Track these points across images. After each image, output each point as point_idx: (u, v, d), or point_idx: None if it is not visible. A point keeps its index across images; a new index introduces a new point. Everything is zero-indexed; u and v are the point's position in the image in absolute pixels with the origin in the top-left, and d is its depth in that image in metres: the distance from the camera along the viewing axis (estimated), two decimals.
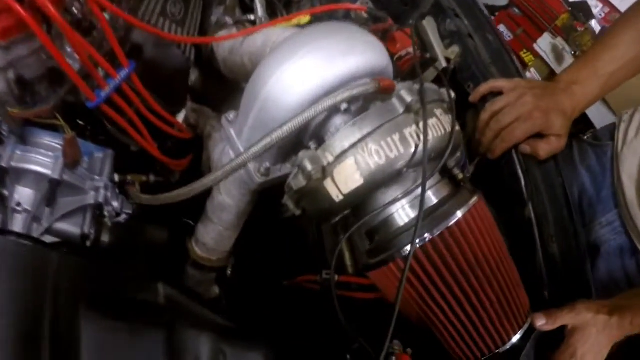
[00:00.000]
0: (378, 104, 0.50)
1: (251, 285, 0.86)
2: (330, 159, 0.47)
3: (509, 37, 2.49)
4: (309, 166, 0.47)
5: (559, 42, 2.21)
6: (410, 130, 0.47)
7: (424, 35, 0.79)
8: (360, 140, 0.46)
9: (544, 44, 2.28)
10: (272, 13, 0.99)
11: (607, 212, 0.93)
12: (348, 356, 0.59)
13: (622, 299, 0.72)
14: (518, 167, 0.72)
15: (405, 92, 0.47)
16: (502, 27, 2.58)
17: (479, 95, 0.79)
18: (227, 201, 0.70)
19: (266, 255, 0.87)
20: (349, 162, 0.46)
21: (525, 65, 2.34)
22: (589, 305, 0.68)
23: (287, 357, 0.56)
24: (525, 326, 0.57)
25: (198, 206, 0.78)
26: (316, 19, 0.82)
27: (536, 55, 2.35)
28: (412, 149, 0.46)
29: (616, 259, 0.93)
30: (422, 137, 0.46)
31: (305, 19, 0.79)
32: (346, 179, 0.47)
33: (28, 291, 0.33)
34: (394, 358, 0.52)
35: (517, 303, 0.54)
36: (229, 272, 0.82)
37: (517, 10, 2.46)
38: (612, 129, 0.99)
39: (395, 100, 0.48)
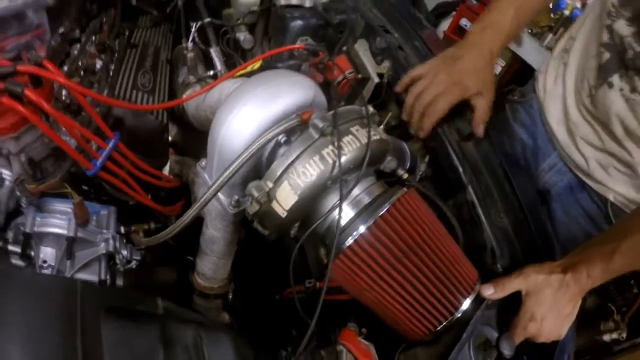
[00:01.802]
0: (303, 133, 0.65)
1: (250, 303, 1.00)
2: (270, 185, 0.62)
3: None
4: (255, 193, 0.62)
5: None
6: (327, 150, 0.61)
7: (356, 57, 0.94)
8: (289, 166, 0.61)
9: None
10: (232, 64, 1.16)
11: (547, 156, 1.05)
12: (293, 331, 0.71)
13: (575, 254, 0.76)
14: (454, 157, 0.84)
15: (318, 120, 0.62)
16: (464, 21, 2.72)
17: (403, 85, 0.90)
18: (215, 234, 0.86)
19: (258, 274, 1.01)
20: (284, 185, 0.61)
21: None
22: (539, 268, 0.74)
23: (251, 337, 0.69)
24: (473, 294, 0.67)
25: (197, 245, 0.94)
26: (267, 62, 0.98)
27: None
28: (331, 165, 0.60)
29: (568, 196, 1.04)
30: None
31: (257, 64, 0.95)
32: (285, 198, 0.61)
33: (64, 309, 0.49)
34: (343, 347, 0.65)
35: (458, 276, 0.66)
36: (230, 296, 0.96)
37: (474, 1, 2.60)
38: (534, 84, 1.11)
39: (311, 129, 0.63)
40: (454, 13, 2.93)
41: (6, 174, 0.83)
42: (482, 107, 0.86)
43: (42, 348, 0.46)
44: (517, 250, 0.80)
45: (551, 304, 0.73)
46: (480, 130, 0.87)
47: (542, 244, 0.83)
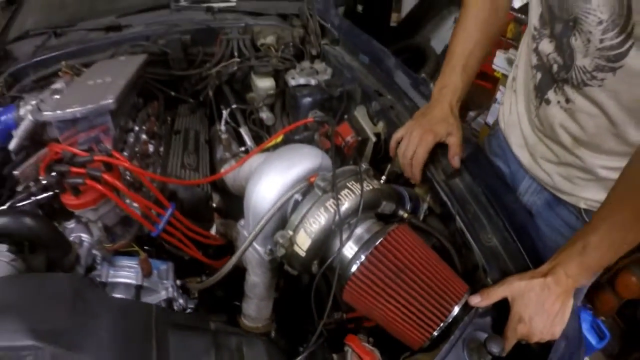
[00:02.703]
0: (311, 192, 0.88)
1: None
2: (291, 232, 0.85)
3: None
4: (280, 239, 0.85)
5: (512, 53, 2.55)
6: (329, 203, 0.84)
7: (356, 122, 1.18)
8: (302, 218, 0.85)
9: (499, 61, 2.63)
10: (259, 137, 1.44)
11: (522, 180, 1.21)
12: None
13: (552, 259, 0.86)
14: (442, 193, 1.05)
15: (320, 181, 0.86)
16: None
17: (393, 150, 1.12)
18: (256, 279, 1.09)
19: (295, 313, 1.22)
20: (301, 232, 0.85)
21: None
22: (522, 275, 0.86)
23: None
24: (461, 303, 0.83)
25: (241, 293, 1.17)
26: (287, 135, 1.24)
27: (498, 73, 2.69)
28: (333, 214, 0.83)
29: (548, 212, 1.17)
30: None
31: (279, 138, 1.21)
32: (303, 241, 0.85)
33: (142, 324, 0.73)
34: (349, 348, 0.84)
35: (445, 289, 0.83)
36: (272, 334, 1.17)
37: None
38: (498, 115, 1.30)
39: (316, 188, 0.87)
40: None
41: (85, 237, 1.09)
42: (454, 144, 1.06)
43: (130, 348, 0.71)
44: (507, 264, 0.95)
45: (536, 305, 0.82)
46: (456, 162, 1.06)
47: (531, 256, 0.96)
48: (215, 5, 2.00)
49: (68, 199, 1.06)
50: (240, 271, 1.11)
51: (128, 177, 1.20)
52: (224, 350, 0.74)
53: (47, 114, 1.20)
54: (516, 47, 2.51)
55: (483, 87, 3.00)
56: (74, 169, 1.01)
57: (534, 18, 1.06)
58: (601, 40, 0.88)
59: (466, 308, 0.85)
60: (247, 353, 0.75)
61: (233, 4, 2.04)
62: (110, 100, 1.16)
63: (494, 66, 2.65)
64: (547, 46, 1.03)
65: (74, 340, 0.70)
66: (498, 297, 0.84)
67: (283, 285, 1.22)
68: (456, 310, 0.83)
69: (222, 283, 1.10)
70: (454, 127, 1.08)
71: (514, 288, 0.84)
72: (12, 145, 1.37)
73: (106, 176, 1.00)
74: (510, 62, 2.57)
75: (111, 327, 0.74)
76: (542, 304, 0.82)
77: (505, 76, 2.62)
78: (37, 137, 1.42)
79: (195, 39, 1.73)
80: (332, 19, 1.90)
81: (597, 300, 2.55)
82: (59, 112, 1.18)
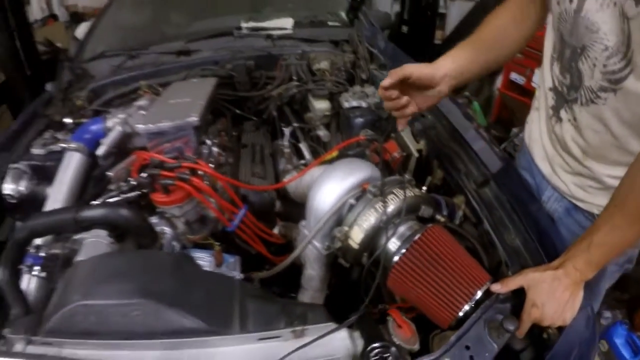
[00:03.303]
0: (364, 197, 1.13)
1: None
2: (347, 228, 1.10)
3: (522, 81, 3.02)
4: (338, 234, 1.10)
5: None
6: (378, 205, 1.08)
7: (401, 140, 1.42)
8: (357, 216, 1.09)
9: (536, 78, 2.77)
10: (316, 152, 1.69)
11: (545, 190, 1.37)
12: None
13: (563, 254, 1.00)
14: (472, 200, 1.27)
15: (371, 188, 1.10)
16: (514, 75, 3.11)
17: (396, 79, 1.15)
18: (312, 273, 1.31)
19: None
20: (355, 227, 1.09)
21: None
22: (537, 268, 1.01)
23: None
24: (483, 289, 1.03)
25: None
26: (341, 151, 1.49)
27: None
28: (381, 214, 1.07)
29: (568, 218, 1.32)
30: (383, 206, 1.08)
31: (334, 153, 1.46)
32: (356, 235, 1.09)
33: (228, 291, 0.99)
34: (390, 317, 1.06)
35: (471, 277, 1.03)
36: None
37: (519, 54, 3.02)
38: (524, 133, 1.48)
39: (368, 194, 1.11)
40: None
41: (167, 230, 1.33)
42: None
43: (218, 309, 0.95)
44: (527, 261, 1.12)
45: (548, 293, 0.96)
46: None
47: (549, 255, 1.11)
48: (273, 32, 2.30)
49: (158, 197, 1.33)
50: (295, 269, 1.34)
51: (206, 182, 1.48)
52: (291, 315, 0.97)
53: (141, 127, 1.46)
54: None
55: (525, 103, 3.17)
56: (165, 173, 1.28)
57: (548, 44, 1.24)
58: (605, 65, 1.02)
59: (488, 294, 1.03)
60: (310, 317, 0.97)
61: (290, 31, 2.32)
62: (195, 118, 1.42)
63: (533, 84, 2.82)
64: (559, 69, 1.19)
65: (174, 300, 0.93)
66: (515, 286, 1.01)
67: (334, 282, 1.45)
68: (479, 294, 1.02)
69: (279, 279, 1.34)
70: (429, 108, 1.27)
71: (529, 278, 1.00)
72: (101, 151, 1.67)
73: (196, 180, 1.27)
74: None
75: (204, 291, 0.98)
76: (554, 292, 0.96)
77: None
78: (123, 145, 1.73)
79: (258, 64, 2.02)
80: (379, 44, 2.15)
81: (636, 316, 2.67)
82: (151, 125, 1.45)
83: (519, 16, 1.26)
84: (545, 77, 1.29)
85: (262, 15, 2.54)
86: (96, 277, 1.01)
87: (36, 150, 1.68)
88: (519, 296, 1.00)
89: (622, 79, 1.01)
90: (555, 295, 0.96)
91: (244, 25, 2.34)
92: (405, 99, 1.18)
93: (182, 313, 0.91)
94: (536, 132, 1.38)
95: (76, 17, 6.40)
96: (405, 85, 1.17)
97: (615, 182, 1.04)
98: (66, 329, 0.93)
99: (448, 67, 1.20)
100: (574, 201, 1.28)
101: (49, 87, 2.58)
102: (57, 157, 1.62)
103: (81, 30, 6.19)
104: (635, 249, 1.32)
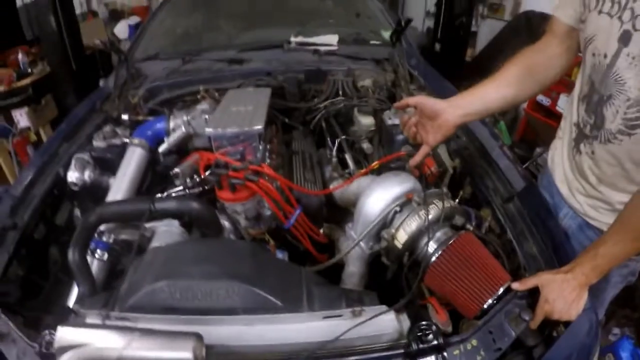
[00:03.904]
0: (408, 205, 1.37)
1: None
2: (393, 231, 1.34)
3: (548, 102, 3.22)
4: (385, 235, 1.34)
5: None
6: (421, 212, 1.33)
7: (438, 157, 1.65)
8: (403, 221, 1.34)
9: (562, 102, 2.97)
10: (359, 163, 1.94)
11: (562, 208, 1.59)
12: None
13: (573, 261, 1.18)
14: (498, 213, 1.50)
15: (416, 198, 1.35)
16: (540, 97, 3.31)
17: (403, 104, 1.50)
18: (353, 269, 1.53)
19: None
20: (401, 230, 1.34)
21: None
22: (550, 271, 1.19)
23: None
24: (505, 286, 1.23)
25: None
26: (383, 164, 1.73)
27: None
28: (423, 220, 1.32)
29: (580, 234, 1.53)
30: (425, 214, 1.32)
31: (376, 166, 1.71)
32: (401, 237, 1.33)
33: (296, 276, 1.22)
34: (430, 304, 1.29)
35: (495, 276, 1.24)
36: None
37: None
38: (547, 157, 1.69)
39: (413, 203, 1.35)
40: None
41: (227, 224, 1.54)
42: (420, 153, 1.47)
43: (289, 290, 1.15)
44: (542, 267, 1.28)
45: (558, 291, 1.12)
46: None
47: (561, 263, 1.25)
48: (321, 48, 2.55)
49: (225, 194, 1.53)
50: (335, 268, 1.54)
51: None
52: (349, 299, 1.19)
53: (210, 131, 1.61)
54: None
55: (549, 125, 3.38)
56: (233, 173, 1.46)
57: (578, 85, 1.47)
58: (625, 113, 1.24)
59: (509, 291, 1.20)
60: (366, 300, 1.19)
61: (335, 47, 2.57)
62: (260, 127, 1.61)
63: (557, 108, 3.03)
64: (584, 110, 1.39)
65: (254, 281, 1.10)
66: (531, 285, 1.18)
67: (367, 281, 1.62)
68: (501, 290, 1.21)
69: (320, 275, 1.56)
70: (437, 140, 1.45)
71: (543, 279, 1.18)
72: (162, 148, 1.92)
73: (263, 182, 1.51)
74: None
75: (277, 276, 1.17)
76: (563, 291, 1.13)
77: None
78: (182, 145, 1.96)
79: (307, 77, 2.26)
80: (417, 66, 2.39)
81: None
82: (220, 130, 1.61)
83: (548, 61, 1.45)
84: (572, 112, 1.50)
85: (309, 30, 2.78)
86: (180, 260, 1.19)
87: (97, 143, 1.90)
88: (534, 294, 1.18)
89: (637, 126, 1.25)
90: (564, 294, 1.13)
91: (293, 39, 2.60)
92: (412, 122, 1.46)
93: (264, 292, 1.08)
94: (559, 158, 1.61)
95: (115, 15, 6.76)
96: (424, 117, 1.42)
97: (622, 205, 1.22)
98: (148, 305, 1.07)
99: (459, 104, 1.42)
100: (587, 219, 1.51)
101: (102, 83, 2.85)
102: (117, 150, 1.85)
103: (120, 27, 6.58)
104: (638, 263, 1.53)
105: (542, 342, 1.17)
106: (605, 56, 1.26)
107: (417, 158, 1.48)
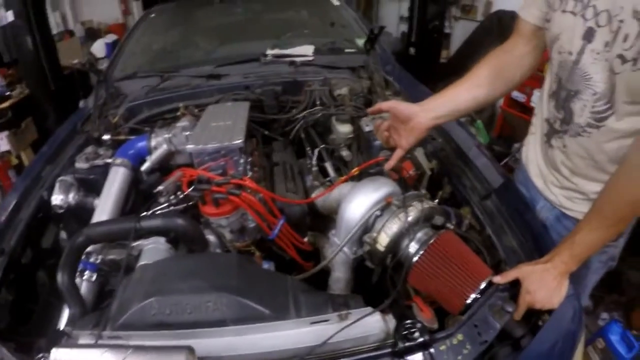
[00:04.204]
0: (388, 208, 1.41)
1: None
2: (375, 234, 1.38)
3: (523, 98, 3.31)
4: (367, 240, 1.38)
5: None
6: (401, 215, 1.36)
7: (415, 160, 1.70)
8: (383, 224, 1.37)
9: (535, 97, 3.07)
10: (339, 171, 1.97)
11: (538, 201, 1.65)
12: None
13: (551, 251, 1.23)
14: (476, 210, 1.55)
15: (395, 201, 1.38)
16: (515, 93, 3.40)
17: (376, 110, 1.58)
18: (339, 275, 1.56)
19: None
20: (382, 233, 1.37)
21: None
22: (529, 263, 1.23)
23: None
24: (486, 281, 1.27)
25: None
26: (363, 170, 1.77)
27: None
28: (403, 223, 1.35)
29: (558, 225, 1.58)
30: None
31: (356, 172, 1.74)
32: (382, 240, 1.37)
33: (283, 285, 1.24)
34: (414, 303, 1.33)
35: (476, 271, 1.28)
36: None
37: None
38: (521, 153, 1.75)
39: (392, 206, 1.39)
40: None
41: (212, 238, 1.56)
42: (395, 156, 1.54)
43: (276, 298, 1.18)
44: (522, 259, 1.33)
45: (539, 282, 1.17)
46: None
47: (540, 254, 1.29)
48: (297, 59, 2.59)
49: (209, 209, 1.56)
50: (321, 274, 1.57)
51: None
52: (335, 303, 1.22)
53: (191, 147, 1.64)
54: None
55: (525, 120, 3.45)
56: (216, 188, 1.49)
57: (547, 83, 1.52)
58: (593, 107, 1.29)
59: (491, 285, 1.23)
60: (351, 303, 1.22)
61: (311, 58, 2.61)
62: (240, 141, 1.63)
63: (532, 103, 3.11)
64: (554, 106, 1.45)
65: (243, 292, 1.12)
66: (512, 277, 1.22)
67: (353, 286, 1.65)
68: (483, 285, 1.25)
69: (306, 282, 1.58)
70: (410, 144, 1.51)
71: (523, 271, 1.21)
72: (145, 167, 1.93)
73: (246, 195, 1.54)
74: None
75: (264, 286, 1.20)
76: (543, 281, 1.17)
77: None
78: (165, 163, 1.98)
79: (284, 89, 2.30)
80: (392, 71, 2.44)
81: (633, 317, 2.96)
82: (200, 146, 1.64)
83: (517, 60, 1.50)
84: (542, 109, 1.56)
85: (284, 42, 2.83)
86: (168, 276, 1.21)
87: (80, 165, 1.90)
88: (515, 286, 1.22)
89: (605, 118, 1.30)
90: (544, 284, 1.17)
91: (269, 52, 2.64)
92: (385, 127, 1.53)
93: (251, 302, 1.11)
94: (532, 153, 1.67)
95: (92, 33, 6.76)
96: (397, 121, 1.48)
97: (596, 195, 1.27)
98: (139, 322, 1.08)
99: (431, 107, 1.48)
100: (563, 210, 1.56)
101: (82, 104, 2.85)
102: (100, 171, 1.86)
103: (97, 46, 6.56)
104: (617, 248, 1.59)
105: (529, 332, 1.20)
106: (570, 53, 1.31)
107: (391, 162, 1.53)
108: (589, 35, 1.24)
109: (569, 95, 1.37)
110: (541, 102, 1.58)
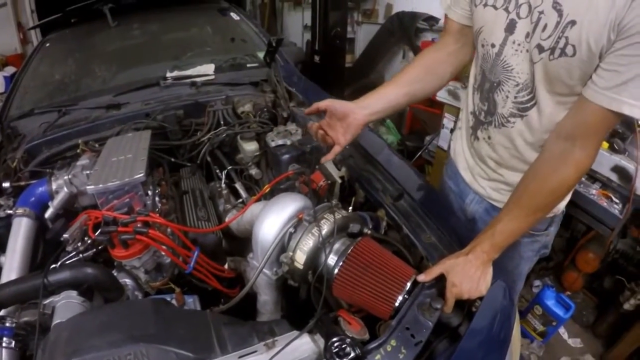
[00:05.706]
0: (300, 224, 1.35)
1: None
2: (291, 253, 1.32)
3: None
4: (284, 259, 1.32)
5: (452, 84, 3.09)
6: (314, 230, 1.31)
7: (325, 170, 1.66)
8: (297, 242, 1.32)
9: (442, 93, 3.16)
10: (250, 190, 1.90)
11: (467, 195, 1.67)
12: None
13: (472, 242, 1.25)
14: (391, 212, 1.53)
15: (306, 216, 1.33)
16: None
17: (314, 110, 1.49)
18: (266, 298, 1.50)
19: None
20: (298, 251, 1.31)
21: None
22: (450, 256, 1.24)
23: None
24: (411, 281, 1.25)
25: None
26: (273, 186, 1.70)
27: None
28: (317, 237, 1.30)
29: (487, 216, 1.61)
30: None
31: (267, 190, 1.68)
32: (300, 258, 1.31)
33: (203, 323, 1.17)
34: (340, 317, 1.28)
35: (399, 273, 1.26)
36: None
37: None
38: (436, 144, 1.81)
39: (304, 222, 1.34)
40: None
41: (128, 281, 1.48)
42: (332, 151, 1.48)
43: (199, 339, 1.11)
44: (444, 253, 1.35)
45: (462, 273, 1.18)
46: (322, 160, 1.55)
47: (461, 246, 1.32)
48: (197, 79, 2.49)
49: (119, 252, 1.44)
50: (249, 298, 1.49)
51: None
52: (260, 332, 1.16)
53: (91, 188, 1.52)
54: (456, 79, 3.06)
55: (434, 113, 3.56)
56: (122, 228, 1.40)
57: (472, 77, 1.55)
58: (515, 97, 1.33)
59: (416, 284, 1.24)
60: (276, 330, 1.17)
61: (212, 77, 2.53)
62: (142, 174, 1.54)
63: (438, 97, 3.19)
64: (479, 98, 1.48)
65: (161, 339, 1.06)
66: (436, 273, 1.22)
67: (285, 305, 1.60)
68: (408, 285, 1.23)
69: (236, 309, 1.49)
70: (347, 140, 1.49)
71: (446, 265, 1.23)
72: (49, 214, 1.77)
73: (153, 232, 1.43)
74: (450, 92, 3.14)
75: (184, 327, 1.14)
76: (467, 272, 1.19)
77: (447, 105, 3.20)
78: (70, 206, 1.83)
79: (187, 112, 2.20)
80: (297, 82, 2.41)
81: (563, 279, 3.11)
82: (100, 185, 1.52)
83: (447, 57, 1.53)
84: (468, 103, 1.59)
85: (185, 63, 2.73)
86: (84, 334, 1.11)
87: None
88: (441, 281, 1.23)
89: (527, 108, 1.34)
90: (468, 274, 1.19)
91: (169, 75, 2.53)
92: (317, 126, 1.49)
93: (172, 347, 1.05)
94: (459, 147, 1.70)
95: None
96: (334, 118, 1.46)
97: None
98: None
99: (365, 104, 1.47)
100: (491, 202, 1.60)
101: None
102: (3, 224, 1.68)
103: None
104: (548, 236, 1.64)
105: (466, 319, 1.21)
106: (493, 45, 1.34)
107: (328, 156, 1.50)
108: (511, 27, 1.27)
109: (492, 87, 1.40)
110: (467, 97, 1.60)
